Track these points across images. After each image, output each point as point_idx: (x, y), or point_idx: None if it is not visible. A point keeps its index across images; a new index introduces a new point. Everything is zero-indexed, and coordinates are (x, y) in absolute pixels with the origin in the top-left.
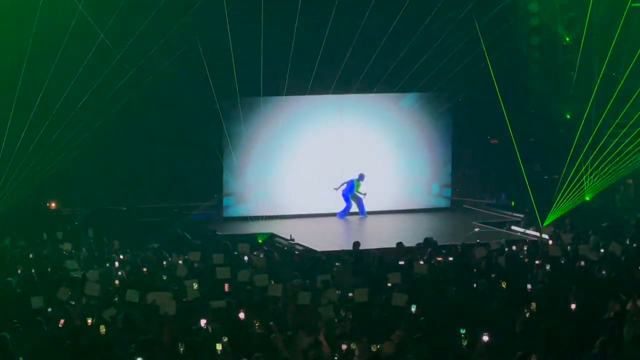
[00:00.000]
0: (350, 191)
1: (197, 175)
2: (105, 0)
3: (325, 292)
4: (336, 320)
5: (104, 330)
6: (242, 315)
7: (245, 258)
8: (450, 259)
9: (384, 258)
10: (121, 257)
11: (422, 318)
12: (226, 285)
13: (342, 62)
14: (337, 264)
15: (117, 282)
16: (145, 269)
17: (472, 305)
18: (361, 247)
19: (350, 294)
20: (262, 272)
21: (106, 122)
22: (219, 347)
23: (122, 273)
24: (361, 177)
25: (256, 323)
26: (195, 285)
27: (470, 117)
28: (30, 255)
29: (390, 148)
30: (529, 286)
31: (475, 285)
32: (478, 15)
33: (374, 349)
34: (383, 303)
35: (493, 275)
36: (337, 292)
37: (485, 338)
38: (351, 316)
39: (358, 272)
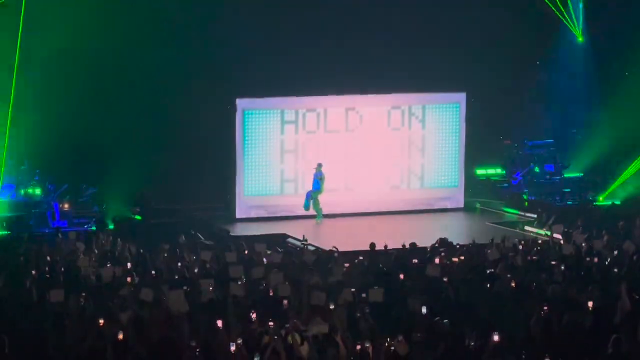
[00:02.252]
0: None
1: (210, 176)
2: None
3: (341, 292)
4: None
5: (122, 336)
6: (254, 315)
7: (264, 260)
8: (462, 257)
9: (400, 258)
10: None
11: (437, 318)
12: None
13: (352, 63)
14: (346, 264)
15: (129, 279)
16: (153, 272)
17: (486, 305)
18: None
19: (364, 295)
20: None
21: (117, 123)
22: (233, 348)
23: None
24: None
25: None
26: (211, 287)
27: (484, 117)
28: (48, 258)
29: (402, 149)
30: (533, 285)
31: (488, 285)
32: None
33: (389, 345)
34: (399, 303)
35: (509, 275)
36: (352, 290)
37: (496, 337)
38: (368, 311)
39: (373, 272)
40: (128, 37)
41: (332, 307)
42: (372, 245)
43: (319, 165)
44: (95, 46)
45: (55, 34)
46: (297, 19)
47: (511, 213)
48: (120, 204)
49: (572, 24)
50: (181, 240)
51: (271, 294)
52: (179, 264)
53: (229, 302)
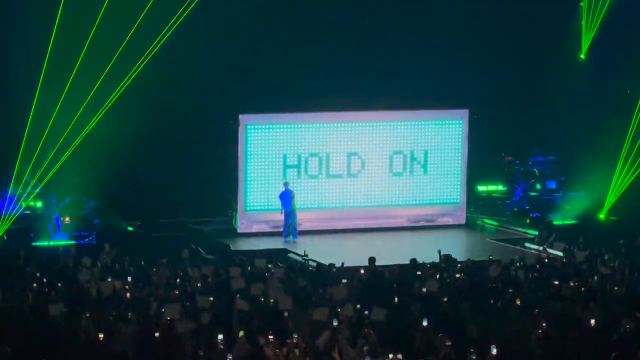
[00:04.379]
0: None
1: (212, 191)
2: (123, 15)
3: (342, 307)
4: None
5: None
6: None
7: (266, 274)
8: (462, 274)
9: (400, 275)
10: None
11: (444, 336)
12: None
13: (355, 79)
14: (343, 280)
15: (128, 295)
16: (151, 288)
17: (486, 321)
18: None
19: (366, 312)
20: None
21: (120, 136)
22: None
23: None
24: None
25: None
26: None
27: (485, 134)
28: (48, 271)
29: (404, 165)
30: (536, 310)
31: (492, 301)
32: None
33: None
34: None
35: (510, 290)
36: (357, 306)
37: (494, 351)
38: (372, 331)
39: (374, 288)
40: (129, 52)
41: (333, 322)
42: (372, 259)
43: (285, 184)
44: (98, 58)
45: (58, 44)
46: (301, 35)
47: (512, 230)
48: (121, 218)
49: (574, 41)
50: (182, 255)
51: (271, 301)
52: (177, 279)
53: (235, 316)
